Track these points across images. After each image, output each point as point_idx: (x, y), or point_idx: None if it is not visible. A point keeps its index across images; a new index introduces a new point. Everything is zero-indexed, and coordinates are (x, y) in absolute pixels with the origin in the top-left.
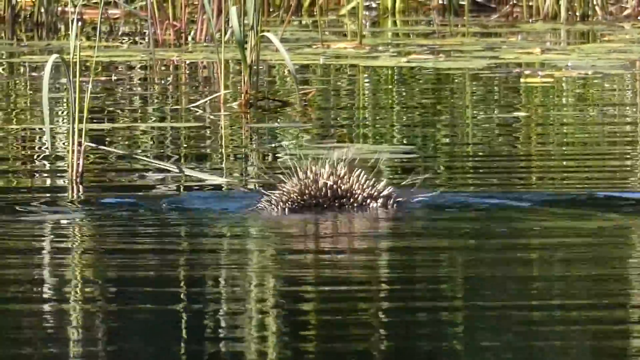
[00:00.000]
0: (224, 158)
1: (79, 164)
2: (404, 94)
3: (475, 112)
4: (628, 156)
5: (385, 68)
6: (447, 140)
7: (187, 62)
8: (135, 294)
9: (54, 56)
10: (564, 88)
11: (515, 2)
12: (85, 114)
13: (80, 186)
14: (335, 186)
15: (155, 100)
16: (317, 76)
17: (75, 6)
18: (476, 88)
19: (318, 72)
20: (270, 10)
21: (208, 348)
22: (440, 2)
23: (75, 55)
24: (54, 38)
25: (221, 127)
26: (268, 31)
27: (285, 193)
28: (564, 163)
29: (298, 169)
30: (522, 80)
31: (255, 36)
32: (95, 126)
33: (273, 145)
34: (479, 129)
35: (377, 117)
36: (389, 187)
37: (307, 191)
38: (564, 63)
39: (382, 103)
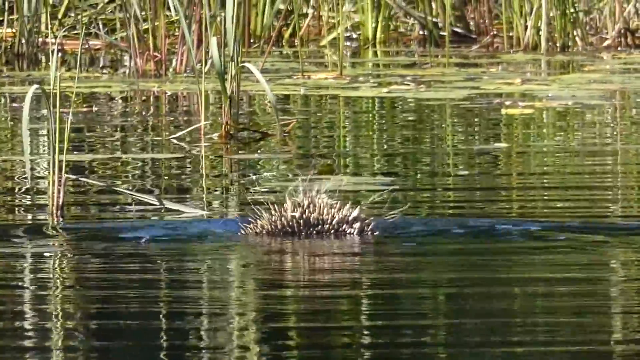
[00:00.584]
0: (204, 190)
1: (59, 196)
2: (385, 124)
3: (455, 142)
4: (608, 186)
5: (366, 98)
6: (427, 170)
7: (168, 93)
8: (116, 327)
9: (34, 87)
10: (545, 118)
11: (495, 32)
12: (65, 145)
13: (61, 218)
14: (303, 217)
15: (136, 132)
16: (297, 107)
17: (55, 37)
18: (457, 119)
19: (299, 102)
20: (251, 41)
21: None
22: (421, 32)
23: (56, 86)
24: (35, 69)
25: (201, 158)
26: (248, 62)
27: (259, 226)
28: (545, 193)
29: (263, 211)
30: (502, 111)
31: (235, 67)
32: (75, 157)
33: (253, 176)
34: (459, 160)
35: (358, 148)
36: (359, 212)
37: (278, 225)
38: (544, 93)
39: (363, 134)
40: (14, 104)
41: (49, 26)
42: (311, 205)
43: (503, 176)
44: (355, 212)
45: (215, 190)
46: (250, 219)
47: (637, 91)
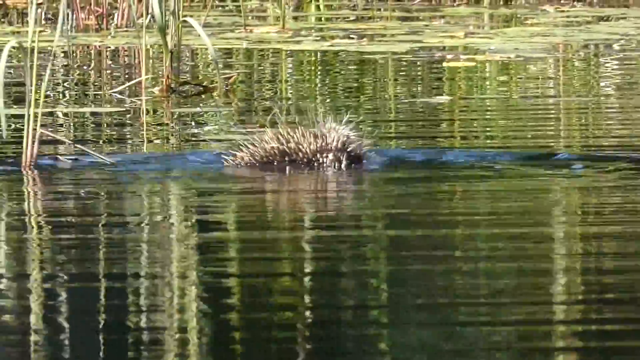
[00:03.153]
0: (145, 142)
1: (33, 148)
2: (327, 78)
3: (397, 95)
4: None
5: (308, 52)
6: (370, 122)
7: (110, 47)
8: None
9: (13, 41)
10: (486, 71)
11: None
12: (41, 99)
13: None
14: (282, 147)
15: (76, 86)
16: (240, 61)
17: None
18: (399, 72)
19: (241, 56)
20: None
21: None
22: None
23: (34, 40)
24: None
25: (142, 112)
26: (190, 16)
27: (239, 158)
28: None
29: (245, 143)
30: (444, 64)
31: (176, 21)
32: (17, 112)
33: (196, 130)
34: (401, 112)
35: (300, 102)
36: (339, 139)
37: (256, 155)
38: (487, 47)
39: (305, 87)
40: None
41: None
42: (289, 136)
43: (445, 127)
44: (335, 140)
45: (155, 140)
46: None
47: (579, 44)
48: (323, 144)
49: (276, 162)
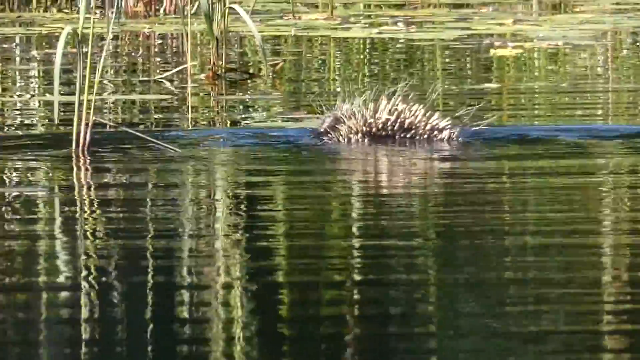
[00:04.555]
0: (190, 125)
1: (86, 135)
2: (375, 65)
3: (446, 83)
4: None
5: (357, 39)
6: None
7: (158, 34)
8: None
9: (68, 28)
10: (535, 59)
11: None
12: (95, 87)
13: (88, 157)
14: (398, 120)
15: (125, 73)
16: (288, 48)
17: None
18: (448, 59)
19: (289, 43)
20: None
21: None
22: None
23: (88, 27)
24: (25, 10)
25: (188, 99)
26: (238, 2)
27: (351, 127)
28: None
29: (356, 107)
30: (492, 51)
31: (223, 8)
32: (66, 99)
33: (243, 115)
34: (450, 99)
35: (348, 89)
36: (448, 119)
37: (372, 126)
38: (535, 34)
39: (353, 75)
40: (4, 45)
41: None
42: (406, 110)
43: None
44: (444, 120)
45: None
46: (328, 125)
47: (628, 32)
48: (437, 121)
49: (390, 135)
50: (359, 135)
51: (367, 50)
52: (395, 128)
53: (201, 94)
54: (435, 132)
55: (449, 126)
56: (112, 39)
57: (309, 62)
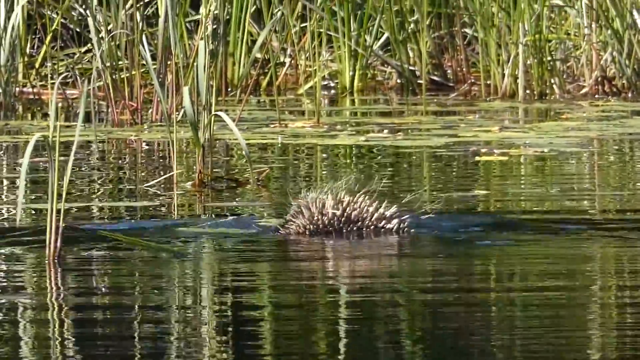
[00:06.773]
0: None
1: (57, 243)
2: (362, 172)
3: (433, 189)
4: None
5: (344, 147)
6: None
7: (144, 142)
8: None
9: (37, 135)
10: (521, 165)
11: (473, 80)
12: (64, 194)
13: (59, 267)
14: (344, 214)
15: (111, 181)
16: (275, 155)
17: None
18: (434, 166)
19: (276, 151)
20: (229, 89)
21: None
22: (398, 81)
23: (55, 135)
24: (12, 118)
25: (174, 207)
26: (225, 110)
27: (298, 226)
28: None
29: (302, 206)
30: (478, 158)
31: (208, 115)
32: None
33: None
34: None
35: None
36: (395, 209)
37: (318, 223)
38: (521, 141)
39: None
40: None
41: (27, 75)
42: (352, 203)
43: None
44: (392, 209)
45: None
46: (286, 219)
47: (614, 138)
48: (384, 211)
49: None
50: (307, 232)
51: (354, 157)
52: (342, 222)
53: (186, 203)
54: (383, 222)
55: (396, 215)
56: (97, 148)
57: (295, 169)
